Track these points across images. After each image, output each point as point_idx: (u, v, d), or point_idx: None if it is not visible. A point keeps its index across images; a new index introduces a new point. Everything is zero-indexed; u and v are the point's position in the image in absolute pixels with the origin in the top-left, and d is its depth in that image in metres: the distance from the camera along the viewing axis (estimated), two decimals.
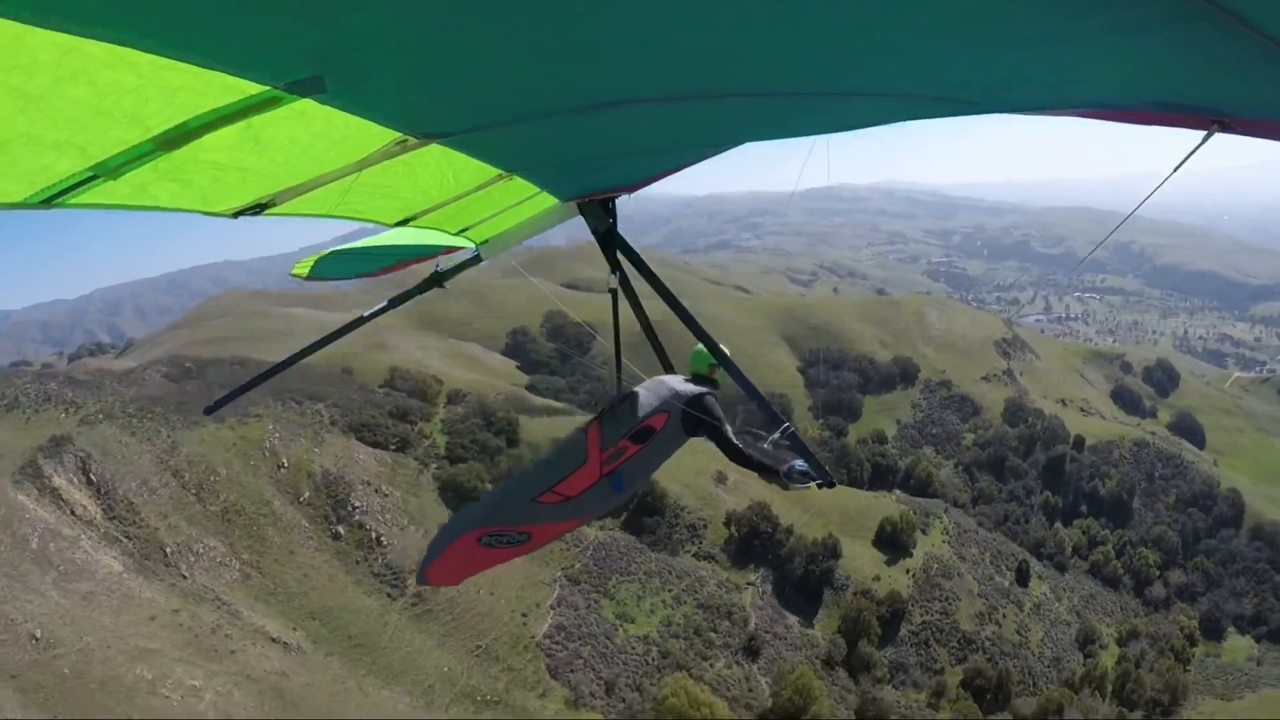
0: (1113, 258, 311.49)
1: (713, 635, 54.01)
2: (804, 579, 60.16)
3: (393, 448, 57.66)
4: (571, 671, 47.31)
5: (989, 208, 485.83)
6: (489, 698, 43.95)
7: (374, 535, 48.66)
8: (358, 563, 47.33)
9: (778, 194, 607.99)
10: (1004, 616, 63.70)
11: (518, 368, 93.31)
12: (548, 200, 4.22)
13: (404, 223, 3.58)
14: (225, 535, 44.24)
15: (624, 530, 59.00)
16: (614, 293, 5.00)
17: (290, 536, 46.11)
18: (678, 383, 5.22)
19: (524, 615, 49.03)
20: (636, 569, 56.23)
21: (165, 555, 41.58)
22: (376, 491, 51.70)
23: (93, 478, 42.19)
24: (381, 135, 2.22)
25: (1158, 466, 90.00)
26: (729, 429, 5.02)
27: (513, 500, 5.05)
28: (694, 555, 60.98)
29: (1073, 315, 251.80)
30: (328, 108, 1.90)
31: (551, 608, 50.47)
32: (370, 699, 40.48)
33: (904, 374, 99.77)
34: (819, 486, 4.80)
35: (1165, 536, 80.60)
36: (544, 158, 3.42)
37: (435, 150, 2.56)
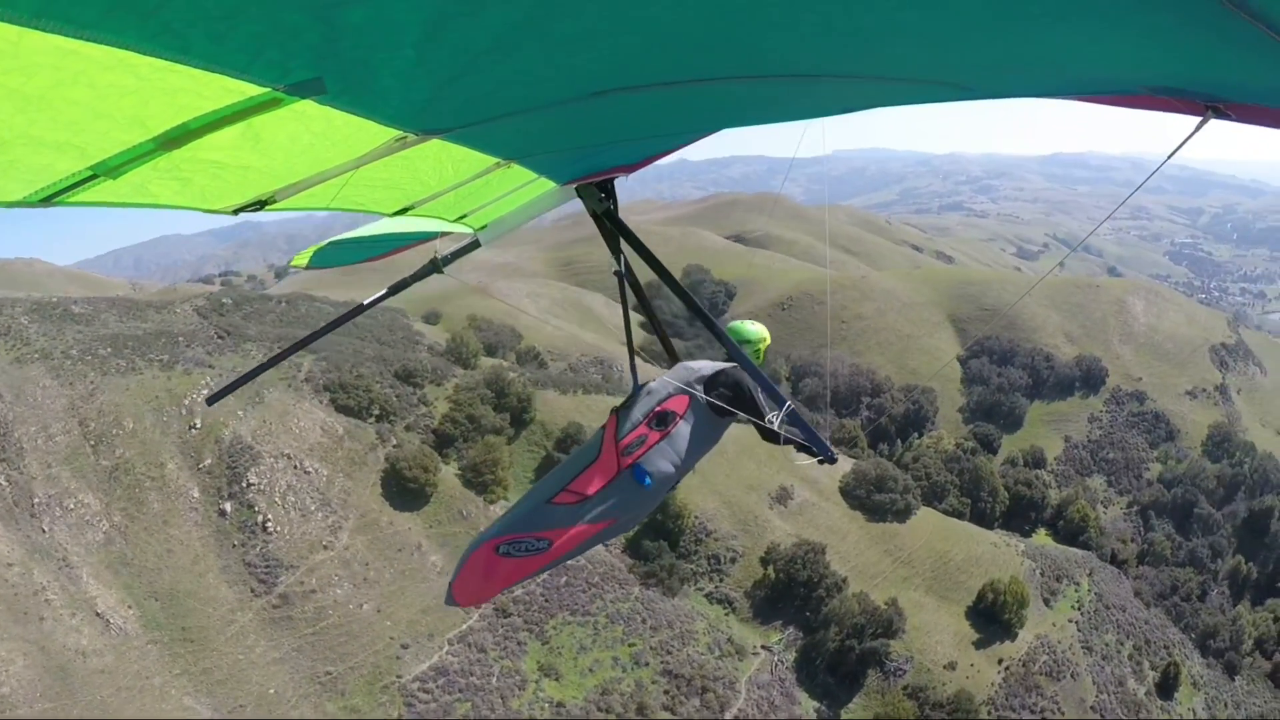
0: None
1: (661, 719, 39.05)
2: (840, 654, 42.33)
3: (372, 418, 50.55)
4: None
5: (1242, 186, 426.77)
6: None
7: (260, 519, 41.80)
8: (234, 546, 40.88)
9: (1018, 157, 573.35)
10: None
11: (640, 325, 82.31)
12: (546, 184, 4.15)
13: (402, 212, 3.47)
14: (105, 493, 40.34)
15: (625, 551, 46.33)
16: (620, 277, 4.78)
17: (172, 505, 41.10)
18: (700, 364, 4.92)
19: (405, 646, 39.01)
20: (600, 609, 43.03)
21: (32, 506, 38.94)
22: (296, 467, 44.76)
23: None
24: (381, 133, 2.19)
25: None
26: (761, 402, 4.73)
27: (529, 504, 4.57)
28: (706, 596, 45.91)
29: None
30: (327, 108, 1.87)
31: (449, 642, 39.75)
32: (161, 706, 33.95)
33: (1087, 377, 78.37)
34: (820, 462, 4.82)
35: None
36: (543, 145, 3.35)
37: (434, 144, 2.51)
